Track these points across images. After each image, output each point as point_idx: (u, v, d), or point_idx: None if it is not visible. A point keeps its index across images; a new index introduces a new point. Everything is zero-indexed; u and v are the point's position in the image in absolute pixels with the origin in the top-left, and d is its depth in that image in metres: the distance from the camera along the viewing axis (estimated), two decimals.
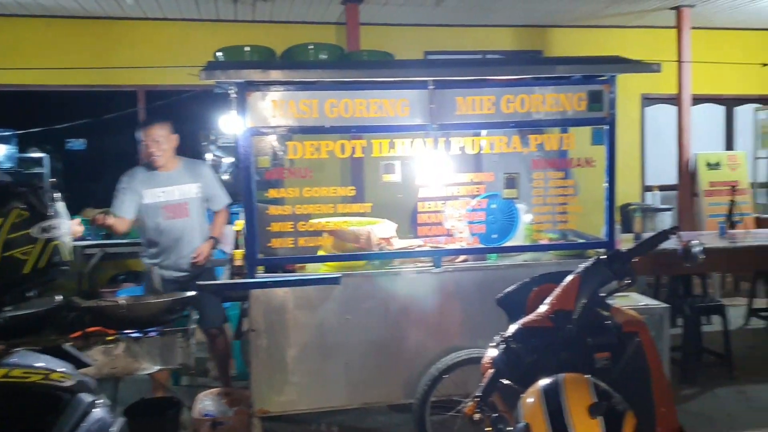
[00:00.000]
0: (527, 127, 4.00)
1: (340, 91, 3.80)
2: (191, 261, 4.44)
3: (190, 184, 4.50)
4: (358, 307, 3.84)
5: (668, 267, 5.22)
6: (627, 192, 8.60)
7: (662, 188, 8.86)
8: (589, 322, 2.42)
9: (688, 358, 4.96)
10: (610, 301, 2.60)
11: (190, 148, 7.05)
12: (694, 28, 7.95)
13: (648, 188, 8.98)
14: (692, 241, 2.70)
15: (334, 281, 3.75)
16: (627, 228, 7.64)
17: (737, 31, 8.77)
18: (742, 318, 6.47)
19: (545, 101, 3.96)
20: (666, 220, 8.31)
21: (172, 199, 4.44)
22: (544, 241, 4.25)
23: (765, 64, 4.10)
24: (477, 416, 2.31)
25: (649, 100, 8.92)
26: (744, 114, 9.23)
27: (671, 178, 8.54)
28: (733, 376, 4.99)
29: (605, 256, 2.54)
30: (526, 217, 4.21)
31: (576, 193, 4.14)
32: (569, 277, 2.52)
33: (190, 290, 3.62)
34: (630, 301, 3.99)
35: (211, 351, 4.84)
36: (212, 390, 4.30)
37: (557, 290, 2.52)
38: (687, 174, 8.18)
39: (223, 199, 4.69)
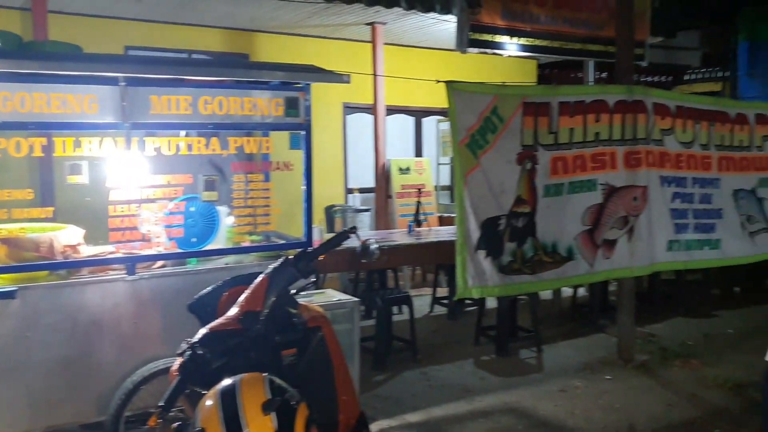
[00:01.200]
0: (225, 129, 4.00)
1: (15, 84, 3.43)
2: None
3: None
4: (40, 323, 3.49)
5: (355, 263, 5.59)
6: (332, 194, 9.12)
7: (362, 191, 9.58)
8: (277, 320, 2.52)
9: (379, 346, 5.40)
10: (304, 299, 2.74)
11: None
12: (387, 44, 8.72)
13: (350, 191, 9.63)
14: (369, 240, 2.98)
15: (8, 295, 3.36)
16: (331, 228, 8.11)
17: (424, 49, 9.83)
18: (428, 306, 7.25)
19: (244, 104, 4.00)
20: (365, 220, 8.98)
21: None
22: (246, 243, 4.29)
23: (439, 81, 4.63)
24: (174, 425, 2.26)
25: (350, 108, 9.55)
26: (429, 125, 10.40)
27: (370, 181, 9.25)
28: (418, 359, 5.55)
29: (292, 256, 2.66)
30: (227, 220, 4.21)
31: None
32: (258, 279, 2.60)
33: None
34: (325, 297, 4.21)
35: None
36: None
37: (247, 292, 2.58)
38: (383, 177, 8.93)
39: None
